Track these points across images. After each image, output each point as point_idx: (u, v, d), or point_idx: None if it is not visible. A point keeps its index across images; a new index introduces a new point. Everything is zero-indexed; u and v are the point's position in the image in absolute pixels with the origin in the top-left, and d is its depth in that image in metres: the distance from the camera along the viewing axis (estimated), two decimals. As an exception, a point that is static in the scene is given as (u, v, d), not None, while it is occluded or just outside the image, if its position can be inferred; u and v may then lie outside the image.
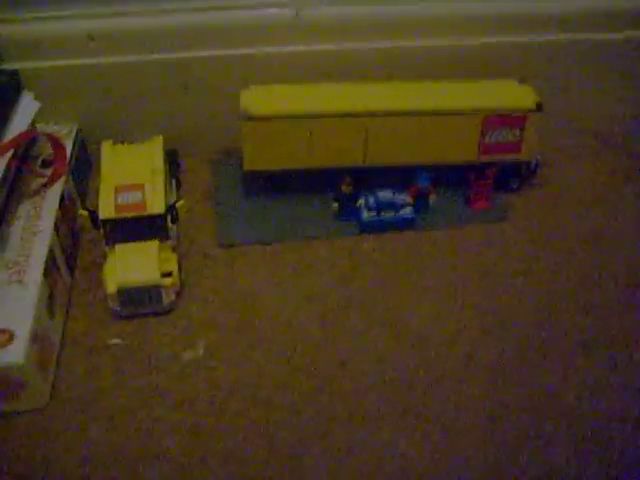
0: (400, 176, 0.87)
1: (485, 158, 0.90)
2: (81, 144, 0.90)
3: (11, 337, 0.65)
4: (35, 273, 0.71)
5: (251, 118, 0.83)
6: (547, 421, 0.68)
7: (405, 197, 0.87)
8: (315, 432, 0.67)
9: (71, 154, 0.86)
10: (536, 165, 0.92)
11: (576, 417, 0.69)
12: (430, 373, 0.72)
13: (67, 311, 0.77)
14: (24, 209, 0.78)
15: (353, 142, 0.86)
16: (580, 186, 0.95)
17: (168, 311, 0.77)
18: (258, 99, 0.84)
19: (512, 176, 0.92)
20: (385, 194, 0.86)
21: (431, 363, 0.73)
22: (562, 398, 0.70)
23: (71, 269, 0.80)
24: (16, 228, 0.75)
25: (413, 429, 0.67)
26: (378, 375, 0.71)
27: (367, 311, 0.78)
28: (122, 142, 0.83)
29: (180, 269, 0.78)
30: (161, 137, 0.84)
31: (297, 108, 0.84)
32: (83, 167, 0.90)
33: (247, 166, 0.87)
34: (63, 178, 0.81)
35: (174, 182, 0.88)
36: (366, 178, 0.87)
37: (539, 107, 0.87)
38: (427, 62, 0.92)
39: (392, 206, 0.86)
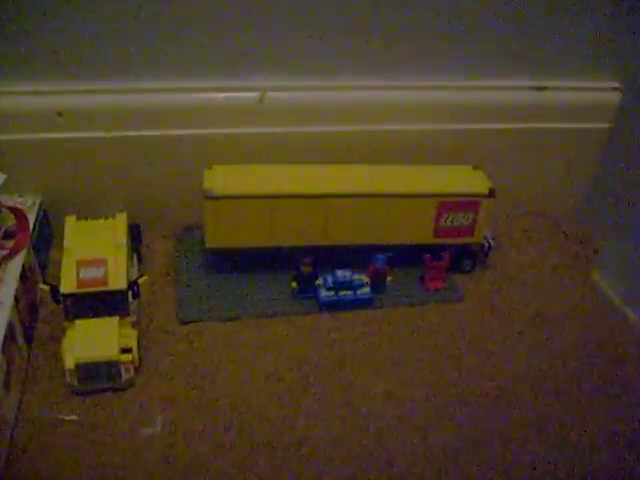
0: (358, 256, 0.89)
1: (440, 240, 0.93)
2: (43, 217, 0.91)
3: (-33, 414, 0.64)
4: (-6, 347, 0.71)
5: (213, 197, 0.85)
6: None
7: (362, 277, 0.89)
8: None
9: (33, 227, 0.86)
10: (489, 247, 0.96)
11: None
12: (385, 452, 0.72)
13: (23, 386, 0.76)
14: (-16, 281, 0.78)
15: (313, 222, 0.89)
16: (529, 268, 0.99)
17: (127, 387, 0.76)
18: (221, 179, 0.87)
19: (465, 258, 0.96)
20: (343, 273, 0.88)
21: (385, 442, 0.73)
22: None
23: (29, 343, 0.80)
24: (-24, 301, 0.75)
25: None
26: (336, 455, 0.72)
27: (325, 390, 0.78)
28: (85, 218, 0.84)
29: (139, 345, 0.78)
30: (124, 213, 0.85)
31: (259, 188, 0.86)
32: (45, 240, 0.90)
33: (209, 244, 0.88)
34: (24, 250, 0.82)
35: (136, 257, 0.89)
36: (326, 257, 0.89)
37: (491, 193, 0.91)
38: (386, 146, 0.96)
39: (350, 286, 0.88)
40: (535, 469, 0.72)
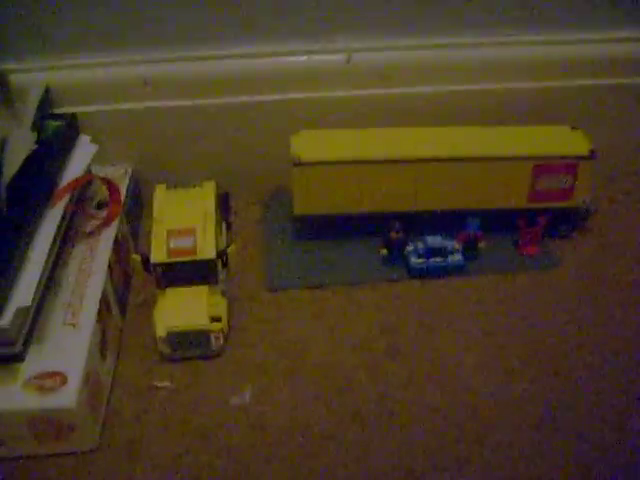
0: (449, 222, 0.87)
1: (535, 204, 0.89)
2: (135, 186, 0.92)
3: (64, 380, 0.66)
4: (89, 315, 0.72)
5: (301, 163, 0.84)
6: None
7: (454, 243, 0.87)
8: (362, 483, 0.67)
9: (125, 196, 0.88)
10: (587, 211, 0.91)
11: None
12: (478, 422, 0.71)
13: (117, 353, 0.78)
14: (79, 250, 0.80)
15: (403, 188, 0.86)
16: (630, 233, 0.93)
17: (216, 355, 0.77)
18: (308, 144, 0.86)
19: (563, 222, 0.91)
20: (434, 240, 0.86)
21: (478, 413, 0.72)
22: (616, 452, 0.69)
23: (123, 311, 0.82)
24: (71, 270, 0.77)
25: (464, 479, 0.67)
26: (426, 427, 0.71)
27: (413, 359, 0.77)
28: (175, 186, 0.85)
29: (229, 313, 0.79)
30: (213, 182, 0.85)
31: (346, 154, 0.85)
32: (136, 209, 0.92)
33: (297, 210, 0.88)
34: (117, 220, 0.83)
35: (225, 225, 0.89)
36: (415, 223, 0.87)
37: (592, 154, 0.86)
38: (478, 107, 0.93)
39: (441, 252, 0.86)
40: (627, 447, 0.69)
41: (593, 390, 0.74)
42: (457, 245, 0.87)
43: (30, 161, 0.72)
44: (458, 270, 0.87)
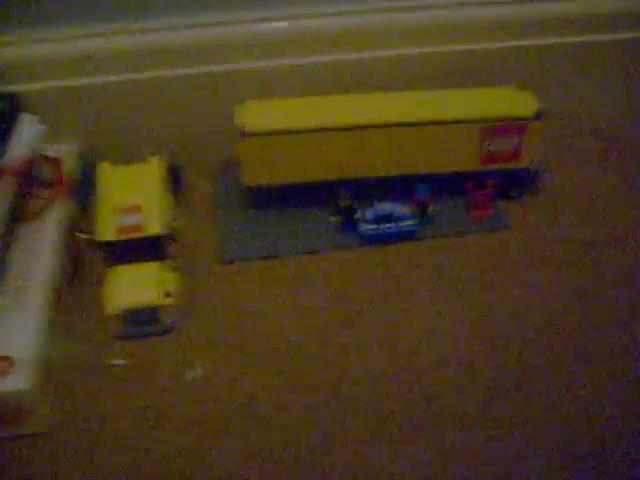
0: (400, 188, 0.87)
1: (484, 167, 0.89)
2: (82, 165, 0.91)
3: (13, 363, 0.66)
4: (36, 297, 0.72)
5: (247, 134, 0.83)
6: (545, 437, 0.68)
7: (405, 208, 0.87)
8: (315, 450, 0.68)
9: (73, 175, 0.87)
10: (535, 172, 0.92)
11: (575, 429, 0.69)
12: (426, 389, 0.72)
13: (69, 333, 0.78)
14: (26, 231, 0.79)
15: (351, 154, 0.86)
16: (582, 192, 0.94)
17: (169, 331, 0.77)
18: (254, 115, 0.85)
19: (513, 184, 0.92)
20: (384, 206, 0.86)
21: (428, 380, 0.73)
22: (561, 411, 0.70)
23: (72, 291, 0.81)
24: (17, 251, 0.76)
25: (408, 447, 0.68)
26: (375, 392, 0.72)
27: (366, 327, 0.78)
28: (120, 163, 0.84)
29: (181, 288, 0.79)
30: (159, 156, 0.85)
31: (293, 123, 0.84)
32: (84, 188, 0.91)
33: (246, 182, 0.87)
34: (63, 199, 0.83)
35: (175, 200, 0.88)
36: (366, 190, 0.87)
37: (539, 115, 0.87)
38: (423, 70, 0.92)
39: (391, 218, 0.87)
40: (584, 402, 0.71)
41: (540, 350, 0.75)
42: (408, 210, 0.87)
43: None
44: (410, 236, 0.87)
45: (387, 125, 0.85)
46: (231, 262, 0.85)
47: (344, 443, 0.68)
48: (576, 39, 0.94)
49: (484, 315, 0.79)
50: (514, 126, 0.87)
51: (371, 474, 0.66)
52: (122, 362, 0.75)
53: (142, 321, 0.76)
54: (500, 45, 0.93)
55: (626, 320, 0.78)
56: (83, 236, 0.77)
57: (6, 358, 0.67)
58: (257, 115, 0.85)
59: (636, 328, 0.78)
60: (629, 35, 0.94)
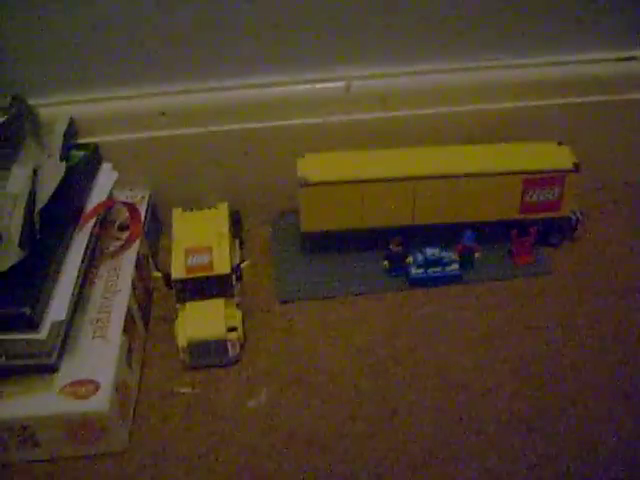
0: (447, 234, 0.93)
1: (526, 216, 0.95)
2: (153, 209, 0.99)
3: (97, 388, 0.73)
4: (116, 329, 0.79)
5: (307, 184, 0.90)
6: (587, 470, 0.73)
7: (451, 254, 0.93)
8: (370, 476, 0.73)
9: (144, 218, 0.95)
10: (577, 221, 0.97)
11: (617, 463, 0.73)
12: (474, 421, 0.77)
13: (142, 363, 0.85)
14: (104, 269, 0.86)
15: (402, 204, 0.93)
16: (618, 241, 0.99)
17: (233, 363, 0.84)
18: (313, 166, 0.92)
19: (553, 232, 0.98)
20: (432, 251, 0.92)
21: (474, 412, 0.78)
22: (601, 446, 0.75)
23: (146, 324, 0.89)
24: (98, 288, 0.84)
25: (458, 476, 0.73)
26: (427, 424, 0.77)
27: (416, 363, 0.83)
28: (191, 209, 0.92)
29: (244, 324, 0.85)
30: (226, 203, 0.93)
31: (349, 174, 0.91)
32: (155, 230, 0.99)
33: (304, 228, 0.94)
34: (138, 241, 0.90)
35: (238, 242, 0.96)
36: (415, 236, 0.94)
37: (576, 167, 0.93)
38: (469, 127, 0.99)
39: (439, 263, 0.93)
40: (620, 440, 0.75)
41: (579, 388, 0.80)
42: (454, 256, 0.93)
43: (60, 188, 0.79)
44: (456, 279, 0.93)
45: (437, 176, 0.91)
46: (288, 301, 0.92)
47: (398, 469, 0.73)
48: (610, 97, 1.00)
49: (525, 355, 0.84)
50: (554, 178, 0.93)
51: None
52: (190, 390, 0.82)
53: (209, 353, 0.82)
54: (541, 103, 1.00)
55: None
56: (157, 275, 0.84)
57: (91, 382, 0.73)
58: (316, 167, 0.92)
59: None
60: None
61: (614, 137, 1.04)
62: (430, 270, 0.93)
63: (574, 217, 0.97)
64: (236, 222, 0.97)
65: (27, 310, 0.70)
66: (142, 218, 0.93)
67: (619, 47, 0.99)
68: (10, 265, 0.72)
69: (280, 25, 0.91)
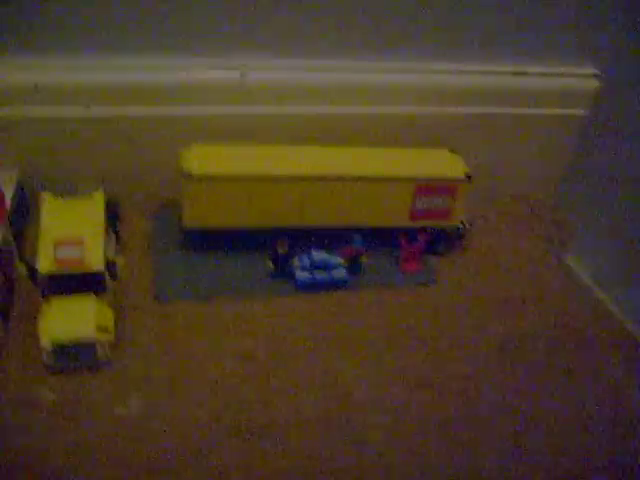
0: (336, 238, 0.90)
1: (416, 223, 0.94)
2: (21, 193, 0.90)
3: (-58, 392, 0.65)
4: (-31, 326, 0.71)
5: (191, 177, 0.85)
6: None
7: (339, 258, 0.90)
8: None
9: (10, 202, 0.86)
10: (464, 230, 0.97)
11: None
12: (356, 431, 0.74)
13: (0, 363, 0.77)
14: (-41, 258, 0.78)
15: (290, 204, 0.89)
16: (503, 252, 1.00)
17: (103, 366, 0.77)
18: (199, 158, 0.87)
19: (441, 241, 0.97)
20: (319, 255, 0.89)
21: (358, 422, 0.75)
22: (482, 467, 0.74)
23: (5, 322, 0.80)
24: (-49, 279, 0.75)
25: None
26: (305, 436, 0.74)
27: (298, 371, 0.80)
28: (63, 196, 0.84)
29: (116, 324, 0.79)
30: (102, 192, 0.86)
31: (236, 169, 0.87)
32: (21, 217, 0.90)
33: (186, 223, 0.89)
34: (1, 227, 0.82)
35: (114, 236, 0.89)
36: (302, 238, 0.90)
37: (468, 177, 0.92)
38: (365, 128, 0.97)
39: (326, 266, 0.90)
40: (502, 453, 0.75)
41: (464, 400, 0.79)
42: (341, 260, 0.90)
43: None
44: (342, 284, 0.90)
45: (326, 178, 0.88)
46: (166, 301, 0.86)
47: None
48: (506, 110, 1.01)
49: (409, 363, 0.82)
50: (446, 186, 0.92)
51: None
52: (52, 396, 0.74)
53: (76, 355, 0.75)
54: (436, 110, 0.99)
55: (544, 371, 0.84)
56: (21, 266, 0.76)
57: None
58: (202, 159, 0.87)
59: (549, 379, 0.83)
60: (553, 111, 1.02)
61: (504, 150, 1.04)
62: (317, 274, 0.89)
63: (462, 226, 0.97)
64: (113, 213, 0.89)
65: None
66: (7, 202, 0.84)
67: (516, 61, 0.99)
68: None
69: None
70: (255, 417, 0.75)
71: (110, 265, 0.79)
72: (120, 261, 0.80)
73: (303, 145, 0.92)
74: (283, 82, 0.93)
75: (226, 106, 0.92)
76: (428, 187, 0.91)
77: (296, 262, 0.90)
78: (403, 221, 0.94)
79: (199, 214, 0.88)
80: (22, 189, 0.91)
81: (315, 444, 0.73)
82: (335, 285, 0.90)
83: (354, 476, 0.71)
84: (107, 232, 0.84)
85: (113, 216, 0.90)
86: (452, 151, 0.96)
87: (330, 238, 0.91)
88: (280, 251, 0.89)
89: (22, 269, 0.77)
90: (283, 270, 0.90)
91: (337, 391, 0.78)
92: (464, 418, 0.77)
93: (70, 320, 0.76)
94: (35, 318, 0.77)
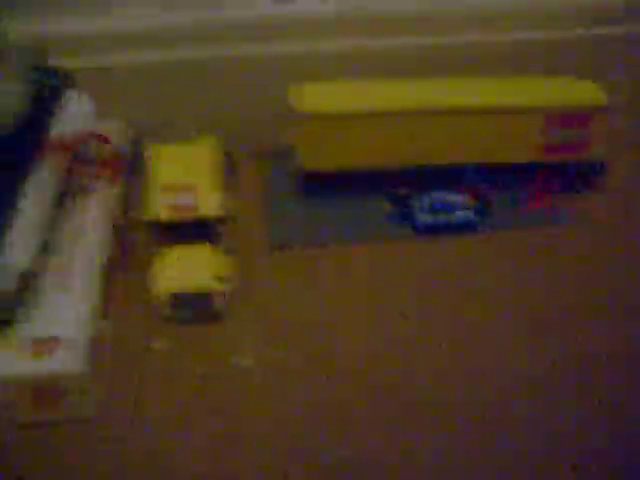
0: (457, 177, 0.84)
1: (547, 158, 0.86)
2: (133, 143, 0.89)
3: (62, 344, 0.64)
4: (82, 277, 0.70)
5: (305, 116, 0.80)
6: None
7: (462, 199, 0.84)
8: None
9: (122, 153, 0.84)
10: (602, 166, 0.88)
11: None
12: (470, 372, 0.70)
13: (115, 315, 0.75)
14: (74, 211, 0.77)
15: (410, 141, 0.83)
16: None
17: (218, 317, 0.75)
18: (312, 97, 0.82)
19: (575, 177, 0.88)
20: (442, 196, 0.84)
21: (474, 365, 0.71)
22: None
23: (120, 272, 0.79)
24: (66, 231, 0.74)
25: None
26: (417, 381, 0.69)
27: (419, 318, 0.75)
28: (174, 143, 0.81)
29: (231, 273, 0.76)
30: (214, 137, 0.82)
31: (352, 106, 0.82)
32: (133, 167, 0.89)
33: (300, 166, 0.84)
34: (113, 178, 0.80)
35: (227, 181, 0.86)
36: (423, 178, 0.84)
37: (605, 105, 0.83)
38: (483, 58, 0.89)
39: (449, 208, 0.84)
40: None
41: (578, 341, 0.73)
42: (465, 201, 0.84)
43: (23, 116, 0.68)
44: (466, 227, 0.84)
45: (450, 112, 0.82)
46: (281, 248, 0.83)
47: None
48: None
49: (538, 310, 0.77)
50: (580, 116, 0.83)
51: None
52: (167, 347, 0.73)
53: (190, 306, 0.73)
54: (563, 34, 0.89)
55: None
56: (134, 216, 0.75)
57: (54, 339, 0.64)
58: (314, 98, 0.82)
59: None
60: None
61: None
62: (438, 216, 0.84)
63: (599, 162, 0.87)
64: (226, 159, 0.86)
65: (-23, 257, 0.61)
66: (119, 154, 0.83)
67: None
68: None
69: None
70: (378, 367, 0.71)
71: (225, 212, 0.75)
72: (234, 208, 0.76)
73: (418, 78, 0.85)
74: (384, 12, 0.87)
75: (325, 40, 0.87)
76: (560, 117, 0.83)
77: (416, 204, 0.84)
78: (534, 156, 0.86)
79: (313, 156, 0.84)
80: (134, 139, 0.89)
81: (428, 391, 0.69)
82: (458, 228, 0.84)
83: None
84: (220, 178, 0.81)
85: (226, 161, 0.86)
86: (581, 78, 0.87)
87: (452, 177, 0.84)
88: (399, 192, 0.84)
89: (136, 218, 0.75)
90: (402, 212, 0.85)
91: (461, 337, 0.74)
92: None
93: (185, 269, 0.74)
94: (150, 268, 0.75)
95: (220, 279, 0.74)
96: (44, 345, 0.64)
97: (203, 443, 0.65)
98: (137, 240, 0.80)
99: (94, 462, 0.64)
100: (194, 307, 0.74)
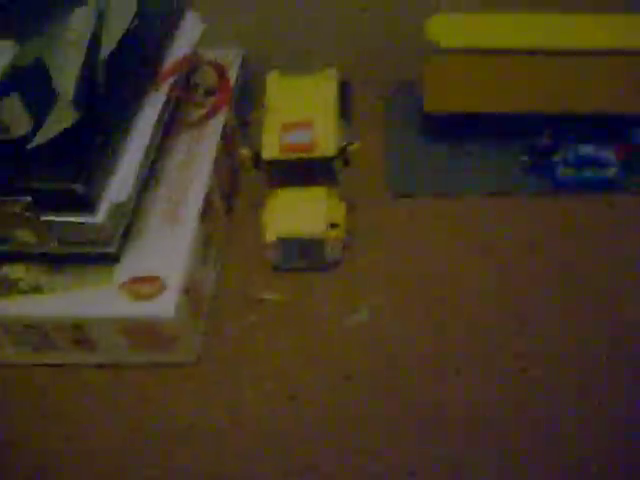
0: (609, 129, 0.74)
1: None
2: (246, 72, 0.82)
3: (163, 286, 0.59)
4: (191, 214, 0.65)
5: (438, 51, 0.72)
6: None
7: (611, 154, 0.74)
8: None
9: (235, 83, 0.78)
10: None
11: None
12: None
13: (221, 259, 0.71)
14: (182, 142, 0.71)
15: (555, 84, 0.73)
16: None
17: (332, 266, 0.69)
18: (446, 29, 0.73)
19: None
20: (588, 149, 0.74)
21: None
22: None
23: (229, 212, 0.74)
24: (173, 163, 0.69)
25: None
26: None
27: (544, 277, 0.68)
28: (292, 74, 0.74)
29: (347, 220, 0.70)
30: (334, 69, 0.74)
31: (494, 41, 0.72)
32: (246, 98, 0.82)
33: (428, 107, 0.76)
34: (225, 109, 0.74)
35: (346, 119, 0.78)
36: (567, 128, 0.74)
37: None
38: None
39: (594, 163, 0.74)
40: None
41: None
42: (615, 157, 0.74)
43: (131, 36, 0.62)
44: (612, 185, 0.74)
45: (611, 52, 0.71)
46: (402, 196, 0.75)
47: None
48: None
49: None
50: None
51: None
52: (276, 297, 0.67)
53: (303, 253, 0.67)
54: None
55: None
56: (246, 152, 0.68)
57: (156, 279, 0.60)
58: (450, 30, 0.73)
59: None
60: None
61: None
62: (582, 171, 0.74)
63: None
64: (345, 94, 0.78)
65: (80, 187, 0.56)
66: (232, 82, 0.77)
67: None
68: (61, 129, 0.56)
69: None
70: (502, 318, 0.64)
71: (343, 152, 0.68)
72: (354, 148, 0.68)
73: (568, 12, 0.74)
74: None
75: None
76: None
77: (558, 156, 0.75)
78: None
79: (443, 96, 0.75)
80: (248, 68, 0.83)
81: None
82: (603, 185, 0.74)
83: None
84: (340, 116, 0.74)
85: (346, 97, 0.79)
86: None
87: (603, 129, 0.74)
88: (541, 142, 0.74)
89: (247, 156, 0.69)
90: (542, 165, 0.75)
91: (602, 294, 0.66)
92: None
93: (298, 214, 0.67)
94: (260, 210, 0.70)
95: (334, 226, 0.68)
96: (146, 285, 0.59)
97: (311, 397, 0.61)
98: (249, 178, 0.75)
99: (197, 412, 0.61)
100: (306, 255, 0.68)
